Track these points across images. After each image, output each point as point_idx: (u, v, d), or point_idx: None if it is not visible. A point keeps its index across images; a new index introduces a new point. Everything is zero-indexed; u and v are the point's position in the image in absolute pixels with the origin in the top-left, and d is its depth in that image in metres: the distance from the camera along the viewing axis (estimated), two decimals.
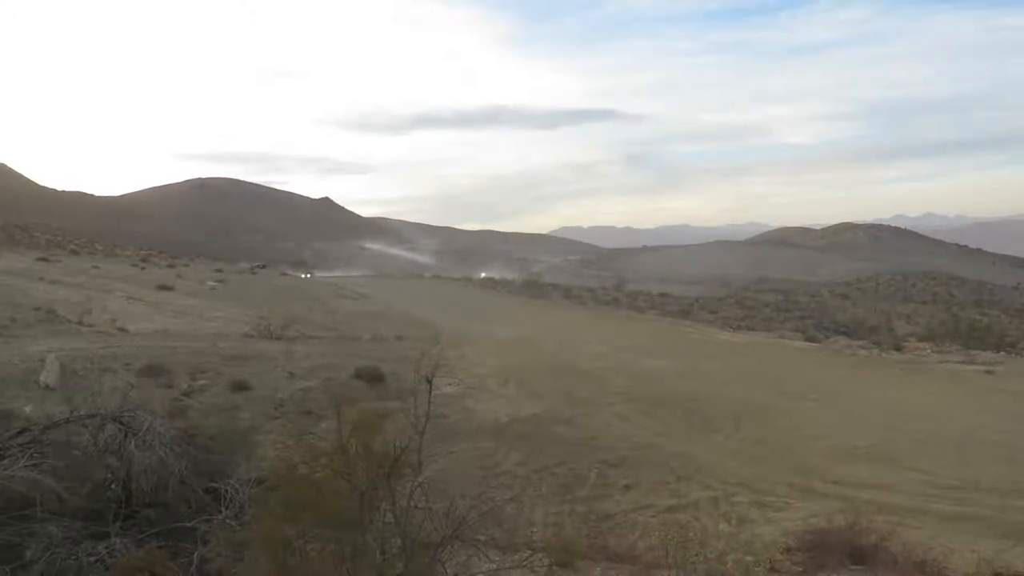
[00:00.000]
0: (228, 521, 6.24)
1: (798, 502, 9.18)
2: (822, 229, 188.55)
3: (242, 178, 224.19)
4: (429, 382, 7.27)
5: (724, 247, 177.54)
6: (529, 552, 7.60)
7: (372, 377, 14.13)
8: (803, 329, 35.71)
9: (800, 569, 7.35)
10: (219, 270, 44.81)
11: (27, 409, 9.60)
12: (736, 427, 12.82)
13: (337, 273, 66.56)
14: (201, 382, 12.62)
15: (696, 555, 7.80)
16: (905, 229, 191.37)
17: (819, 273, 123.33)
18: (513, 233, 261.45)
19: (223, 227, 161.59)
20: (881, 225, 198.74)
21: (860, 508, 8.48)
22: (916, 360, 22.32)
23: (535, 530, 8.52)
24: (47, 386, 11.04)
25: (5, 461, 6.17)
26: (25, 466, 6.09)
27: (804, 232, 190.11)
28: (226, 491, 6.64)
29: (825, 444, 11.78)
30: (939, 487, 9.77)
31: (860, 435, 12.25)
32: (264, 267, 61.57)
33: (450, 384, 14.61)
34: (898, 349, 24.96)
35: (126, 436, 6.82)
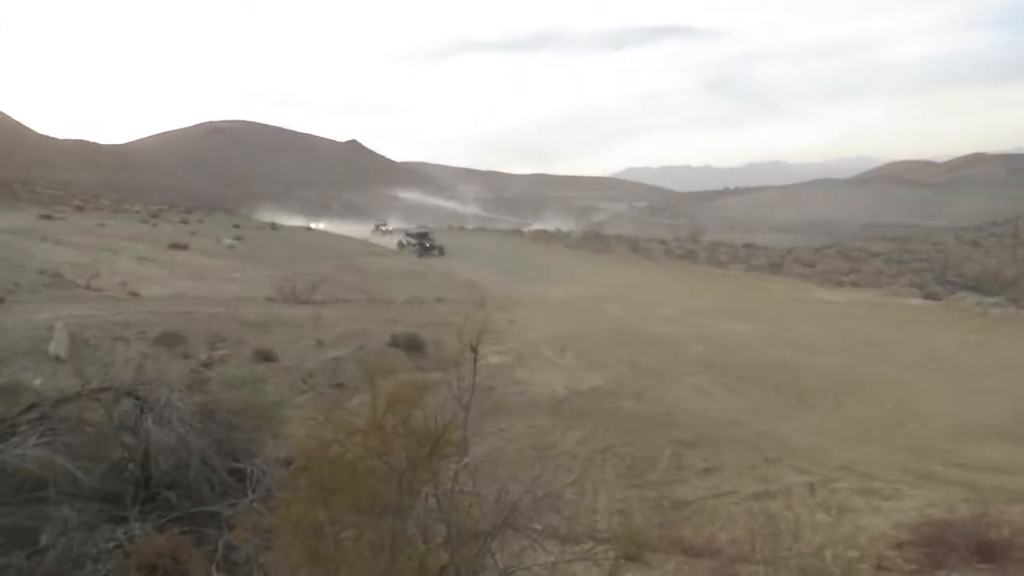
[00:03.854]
0: (255, 505, 6.50)
1: (912, 489, 9.00)
2: (945, 162, 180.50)
3: (259, 120, 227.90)
4: (474, 350, 7.31)
5: (824, 187, 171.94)
6: (592, 543, 7.67)
7: (410, 345, 14.40)
8: (921, 284, 34.57)
9: (914, 567, 7.18)
10: (237, 226, 46.05)
11: (36, 382, 10.16)
12: (837, 402, 12.61)
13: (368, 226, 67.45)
14: (221, 352, 13.09)
15: (788, 549, 7.73)
16: None
17: (941, 216, 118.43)
18: (570, 177, 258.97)
19: (239, 176, 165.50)
20: (1021, 155, 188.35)
21: (988, 496, 8.24)
22: None
23: (599, 518, 8.62)
24: (57, 357, 11.63)
25: (16, 439, 6.54)
26: (37, 444, 6.44)
27: (923, 167, 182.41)
28: (251, 472, 6.89)
29: (946, 421, 11.47)
30: None
31: (989, 410, 11.88)
32: (385, 226, 61.92)
33: (499, 353, 14.76)
34: None
35: (142, 412, 7.12)
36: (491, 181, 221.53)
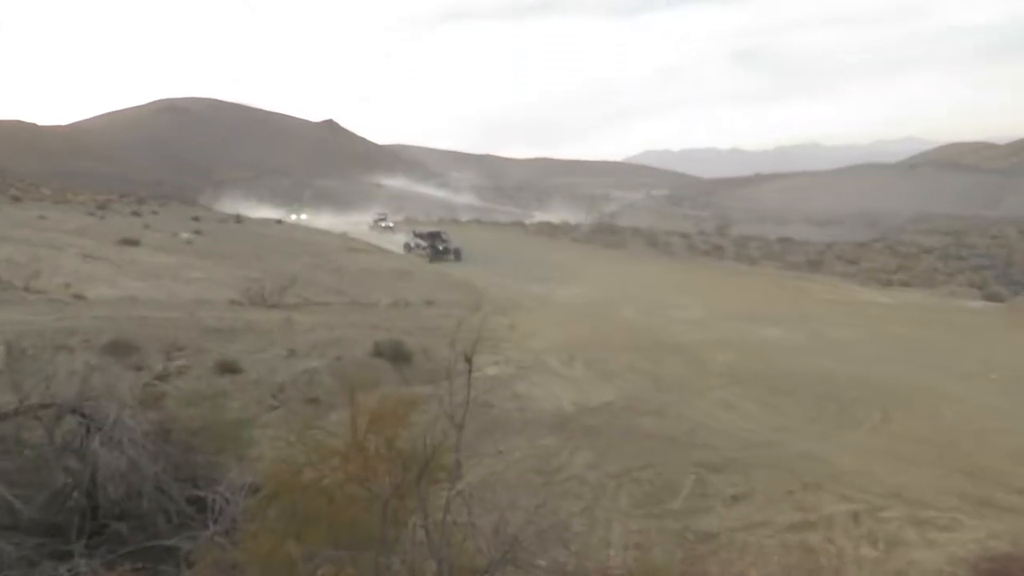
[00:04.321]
0: (217, 538, 6.50)
1: (971, 519, 8.98)
2: (1008, 144, 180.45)
3: (222, 98, 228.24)
4: (469, 361, 7.31)
5: (870, 173, 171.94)
6: None
7: (395, 355, 14.39)
8: (980, 284, 34.64)
9: None
10: (196, 218, 46.09)
11: None
12: (884, 418, 12.59)
13: (350, 219, 67.19)
14: (179, 362, 13.07)
15: None
16: None
17: (1004, 206, 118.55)
18: (578, 162, 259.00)
19: (199, 161, 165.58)
20: None
21: None
22: None
23: (612, 553, 8.60)
24: None
25: None
26: None
27: (982, 149, 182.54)
28: (213, 500, 6.89)
29: (1010, 441, 11.44)
30: None
31: None
32: (385, 220, 58.90)
33: (497, 363, 14.76)
34: None
35: (88, 431, 7.12)
36: (488, 166, 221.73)
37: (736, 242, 54.50)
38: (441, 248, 40.04)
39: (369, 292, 23.87)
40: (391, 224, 55.99)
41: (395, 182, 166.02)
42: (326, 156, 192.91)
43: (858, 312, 25.34)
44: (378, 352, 14.51)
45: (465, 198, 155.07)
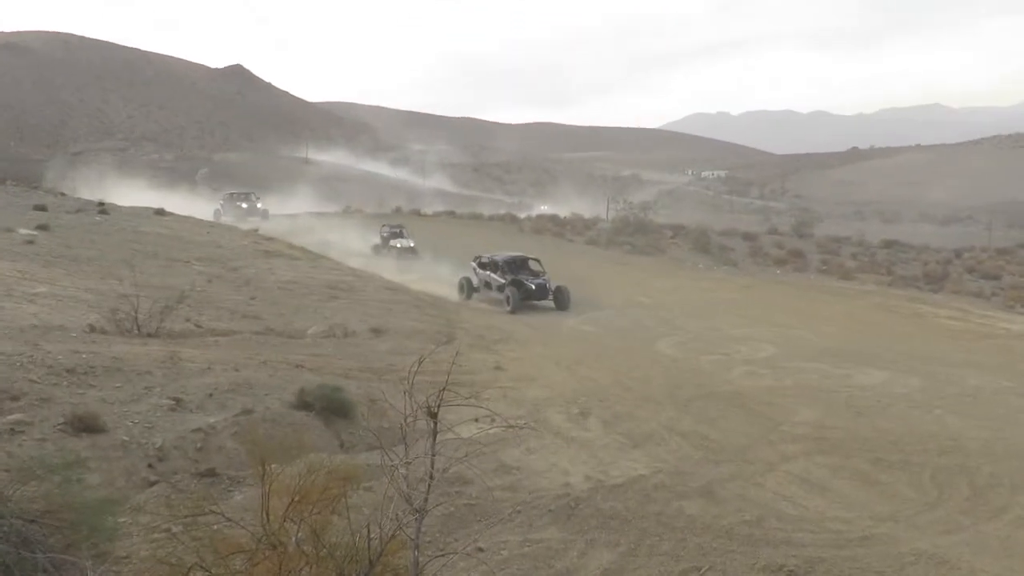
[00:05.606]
0: None
1: None
2: None
3: (81, 33, 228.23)
4: (435, 416, 7.28)
5: (1010, 147, 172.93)
6: None
7: (328, 407, 14.30)
8: None
9: None
10: (41, 206, 45.86)
11: None
12: None
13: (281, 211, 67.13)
14: (12, 417, 12.95)
15: None
16: None
17: None
18: (596, 128, 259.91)
19: (47, 123, 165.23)
20: None
21: None
22: None
23: None
24: None
25: None
26: None
27: None
28: None
29: None
30: None
31: None
32: (401, 235, 51.84)
33: (477, 420, 14.65)
34: None
35: None
36: (467, 134, 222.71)
37: (823, 247, 54.75)
38: (533, 287, 33.53)
39: (293, 316, 23.76)
40: (411, 243, 47.05)
41: (331, 157, 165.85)
42: (231, 118, 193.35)
43: (999, 349, 25.42)
44: (303, 403, 14.41)
45: (434, 180, 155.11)
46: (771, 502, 12.53)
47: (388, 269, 39.28)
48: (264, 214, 62.94)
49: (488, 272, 35.26)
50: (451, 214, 71.68)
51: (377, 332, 22.36)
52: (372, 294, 29.02)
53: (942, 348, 25.13)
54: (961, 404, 18.21)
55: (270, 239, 42.63)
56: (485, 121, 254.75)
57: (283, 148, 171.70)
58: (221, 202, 65.60)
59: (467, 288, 35.83)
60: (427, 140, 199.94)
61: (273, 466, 7.61)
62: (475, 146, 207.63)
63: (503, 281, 34.00)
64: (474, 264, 36.49)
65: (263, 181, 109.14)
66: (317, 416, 14.14)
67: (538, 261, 35.70)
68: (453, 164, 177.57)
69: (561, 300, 33.06)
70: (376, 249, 47.73)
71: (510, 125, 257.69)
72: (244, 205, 64.63)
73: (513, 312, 31.85)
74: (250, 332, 21.15)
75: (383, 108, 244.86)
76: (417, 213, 70.18)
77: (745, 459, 14.32)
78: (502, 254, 36.64)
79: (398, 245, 46.74)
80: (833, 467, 14.01)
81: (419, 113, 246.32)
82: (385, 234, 49.38)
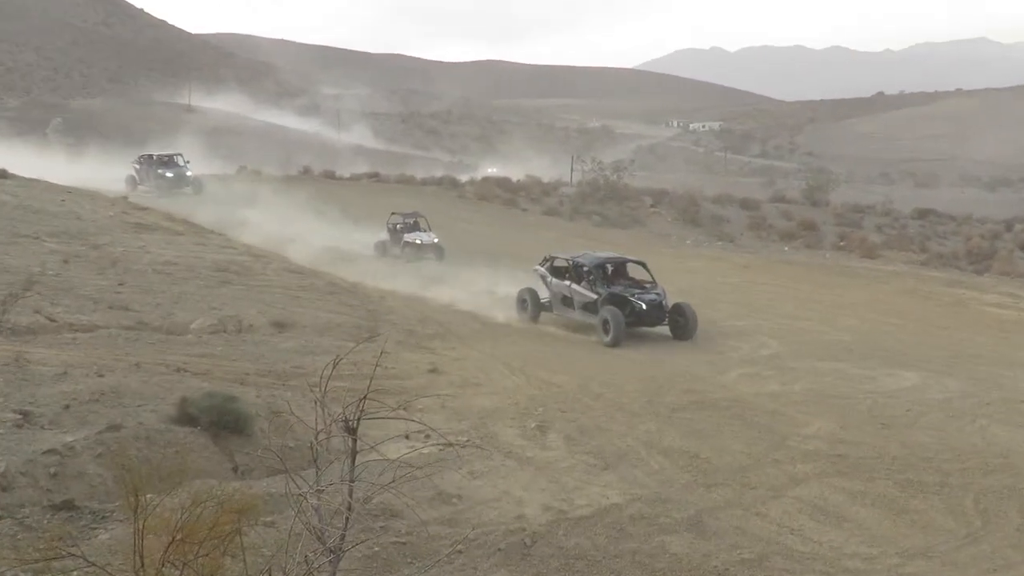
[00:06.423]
0: None
1: None
2: None
3: None
4: (354, 433, 7.29)
5: None
6: None
7: (218, 421, 14.22)
8: None
9: None
10: None
11: None
12: None
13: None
14: None
15: None
16: None
17: None
18: (560, 69, 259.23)
19: None
20: None
21: None
22: None
23: None
24: None
25: None
26: None
27: None
28: None
29: None
30: None
31: None
32: (414, 227, 46.07)
33: (408, 437, 14.73)
34: None
35: None
36: (394, 76, 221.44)
37: (841, 217, 54.86)
38: (644, 306, 27.68)
39: (172, 306, 23.55)
40: (434, 238, 43.37)
41: (222, 103, 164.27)
42: (93, 55, 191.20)
43: None
44: (186, 416, 14.33)
45: (352, 134, 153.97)
46: (776, 536, 12.60)
47: (401, 276, 33.71)
48: (197, 184, 57.49)
49: (568, 282, 29.63)
50: (372, 176, 70.76)
51: (280, 326, 22.25)
52: (274, 278, 28.73)
53: (988, 343, 25.30)
54: (1011, 412, 18.37)
55: (144, 208, 42.05)
56: (418, 59, 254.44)
57: (159, 92, 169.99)
58: (135, 167, 59.97)
59: (531, 304, 30.15)
60: (344, 83, 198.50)
61: (148, 496, 7.57)
62: (404, 91, 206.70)
63: (594, 296, 28.27)
64: (542, 269, 31.11)
65: (132, 133, 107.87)
66: (204, 432, 14.05)
67: (643, 265, 29.79)
68: (377, 114, 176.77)
69: (684, 325, 27.13)
70: (382, 248, 41.58)
71: (449, 64, 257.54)
72: (169, 174, 58.55)
73: (614, 345, 25.95)
74: (118, 327, 20.97)
75: (289, 43, 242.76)
76: (331, 176, 69.33)
77: (744, 483, 14.38)
78: (590, 255, 31.18)
79: (417, 241, 39.98)
80: (852, 492, 14.09)
81: (334, 49, 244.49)
82: (395, 226, 42.75)
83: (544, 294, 30.04)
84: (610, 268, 29.54)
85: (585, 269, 28.84)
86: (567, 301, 29.07)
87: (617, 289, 27.97)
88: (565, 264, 29.88)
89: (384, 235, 41.90)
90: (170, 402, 14.81)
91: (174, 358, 18.34)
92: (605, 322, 26.36)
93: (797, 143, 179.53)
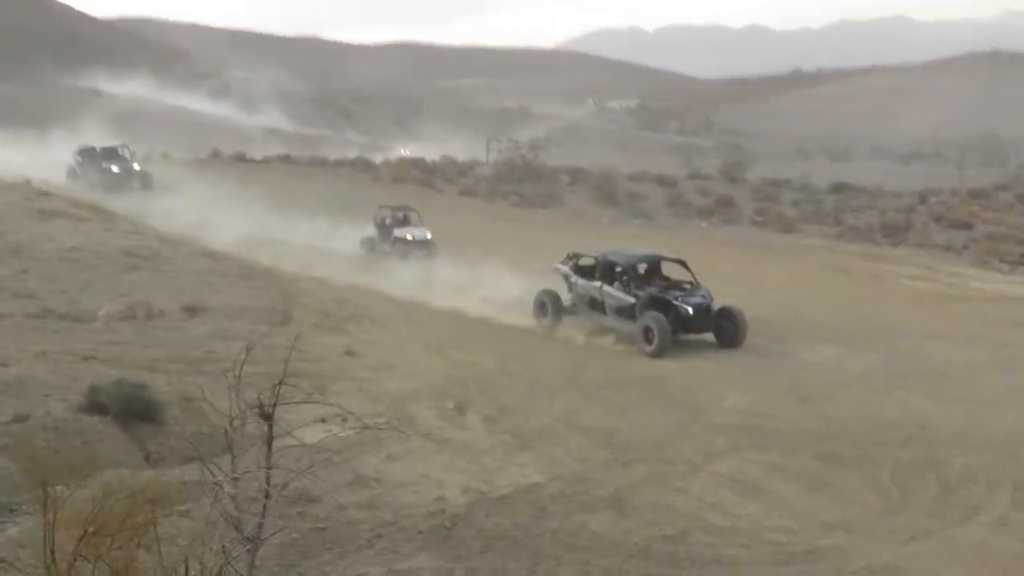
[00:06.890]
0: None
1: None
2: None
3: None
4: (269, 419, 7.20)
5: (988, 68, 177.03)
6: None
7: (128, 410, 14.05)
8: None
9: None
10: None
11: None
12: (1018, 503, 12.94)
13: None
14: None
15: None
16: None
17: None
18: (473, 50, 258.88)
19: None
20: None
21: None
22: None
23: None
24: None
25: None
26: None
27: None
28: None
29: None
30: None
31: None
32: (405, 223, 43.35)
33: (325, 421, 14.59)
34: None
35: None
36: (307, 58, 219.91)
37: (759, 192, 55.14)
38: (690, 311, 24.53)
39: (79, 293, 23.23)
40: (427, 234, 40.77)
41: (130, 87, 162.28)
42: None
43: (973, 314, 25.89)
44: (96, 405, 14.15)
45: (264, 116, 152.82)
46: (696, 511, 12.63)
47: (391, 275, 31.08)
48: (145, 179, 52.31)
49: (598, 283, 26.46)
50: (285, 159, 70.09)
51: (192, 311, 22.01)
52: (184, 263, 28.40)
53: (904, 315, 25.49)
54: (928, 384, 18.57)
55: (47, 193, 41.39)
56: (330, 42, 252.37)
57: (64, 77, 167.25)
58: (76, 159, 53.91)
59: (552, 308, 26.68)
60: (257, 67, 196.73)
61: (58, 488, 7.45)
62: (317, 72, 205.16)
63: (631, 300, 25.25)
64: (564, 267, 27.85)
65: (34, 119, 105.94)
66: (114, 421, 13.89)
67: (683, 263, 26.48)
68: (289, 94, 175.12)
69: (733, 331, 24.32)
70: (369, 245, 38.87)
71: (363, 47, 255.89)
72: (115, 168, 52.96)
73: (658, 355, 22.93)
74: (21, 315, 20.68)
75: (198, 26, 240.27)
76: (241, 158, 68.52)
77: (662, 458, 14.42)
78: (625, 251, 28.43)
79: (408, 237, 37.59)
80: (771, 465, 14.19)
81: (247, 32, 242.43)
82: (384, 221, 39.81)
83: (566, 296, 26.95)
84: (643, 267, 26.65)
85: (619, 269, 25.94)
86: (596, 305, 26.05)
87: (657, 291, 25.00)
88: (596, 263, 26.76)
89: (371, 231, 38.83)
90: (78, 391, 14.61)
91: (82, 346, 18.09)
92: (647, 330, 23.47)
93: (714, 121, 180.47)
